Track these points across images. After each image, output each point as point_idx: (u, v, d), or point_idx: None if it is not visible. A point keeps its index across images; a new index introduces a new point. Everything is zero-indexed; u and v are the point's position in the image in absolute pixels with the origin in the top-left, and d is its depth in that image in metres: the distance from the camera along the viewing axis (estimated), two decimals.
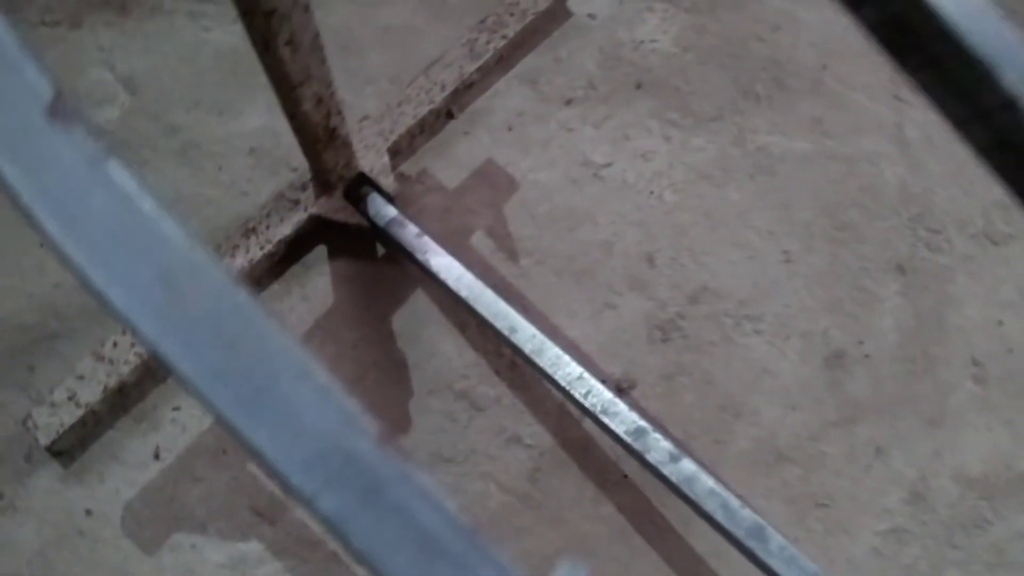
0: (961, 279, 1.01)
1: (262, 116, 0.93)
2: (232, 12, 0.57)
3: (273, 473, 0.20)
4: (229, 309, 0.21)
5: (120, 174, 0.21)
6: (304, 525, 0.79)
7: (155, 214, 0.21)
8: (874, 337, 0.94)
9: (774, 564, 0.63)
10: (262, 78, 0.66)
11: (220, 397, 0.20)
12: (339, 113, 0.70)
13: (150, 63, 0.92)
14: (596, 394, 0.72)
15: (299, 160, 0.84)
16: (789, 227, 1.02)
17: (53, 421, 0.74)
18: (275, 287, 0.86)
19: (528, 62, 1.01)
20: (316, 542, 0.80)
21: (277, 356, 0.21)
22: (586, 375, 0.74)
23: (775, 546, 0.64)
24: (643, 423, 0.71)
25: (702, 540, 0.82)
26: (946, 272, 1.00)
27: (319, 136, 0.70)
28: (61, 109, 0.21)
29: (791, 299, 0.96)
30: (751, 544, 0.64)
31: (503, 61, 0.96)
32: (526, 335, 0.76)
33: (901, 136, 1.05)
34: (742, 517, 0.66)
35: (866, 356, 0.94)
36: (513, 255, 0.91)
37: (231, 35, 0.96)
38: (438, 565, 0.19)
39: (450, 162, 0.94)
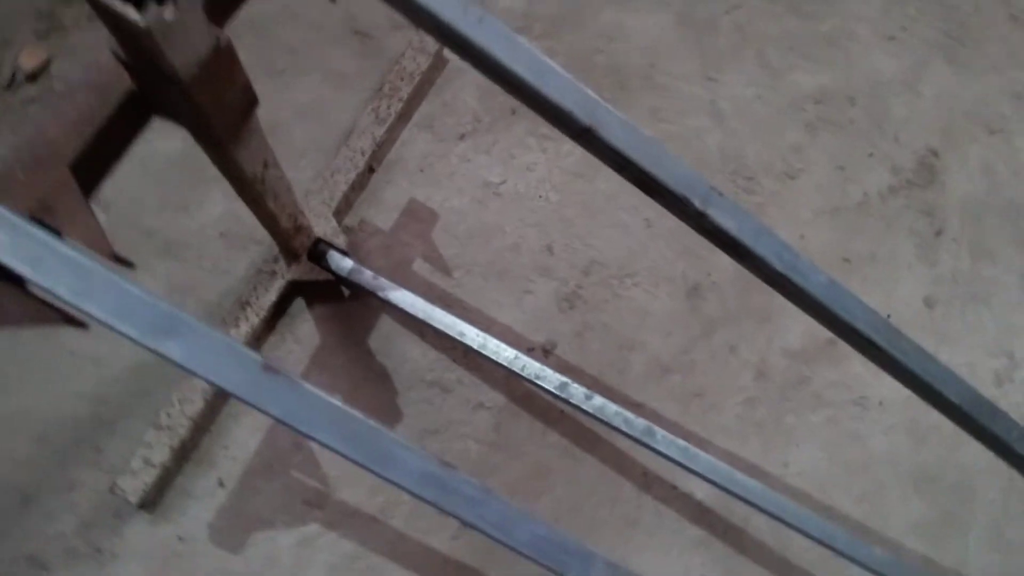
0: (772, 210, 1.36)
1: (220, 203, 1.13)
2: (166, 123, 0.74)
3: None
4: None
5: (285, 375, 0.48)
6: (344, 503, 1.09)
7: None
8: (718, 269, 1.29)
9: (661, 448, 0.99)
10: (212, 171, 0.84)
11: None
12: (302, 213, 0.93)
13: (112, 182, 1.09)
14: (528, 366, 1.03)
15: (262, 234, 1.07)
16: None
17: (137, 483, 0.98)
18: (272, 339, 1.11)
19: (423, 110, 1.24)
20: (355, 512, 1.09)
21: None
22: (520, 355, 1.04)
23: (660, 437, 0.99)
24: (564, 379, 1.03)
25: (621, 443, 1.17)
26: (760, 207, 1.36)
27: (289, 232, 0.94)
28: (270, 366, 0.47)
29: (655, 255, 1.29)
30: (645, 439, 0.99)
31: (403, 116, 1.19)
32: (471, 335, 1.05)
33: (715, 110, 1.37)
34: (637, 424, 1.00)
35: (714, 283, 1.30)
36: (447, 271, 1.19)
37: (173, 140, 1.13)
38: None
39: (381, 208, 1.19)
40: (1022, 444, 0.73)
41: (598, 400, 1.02)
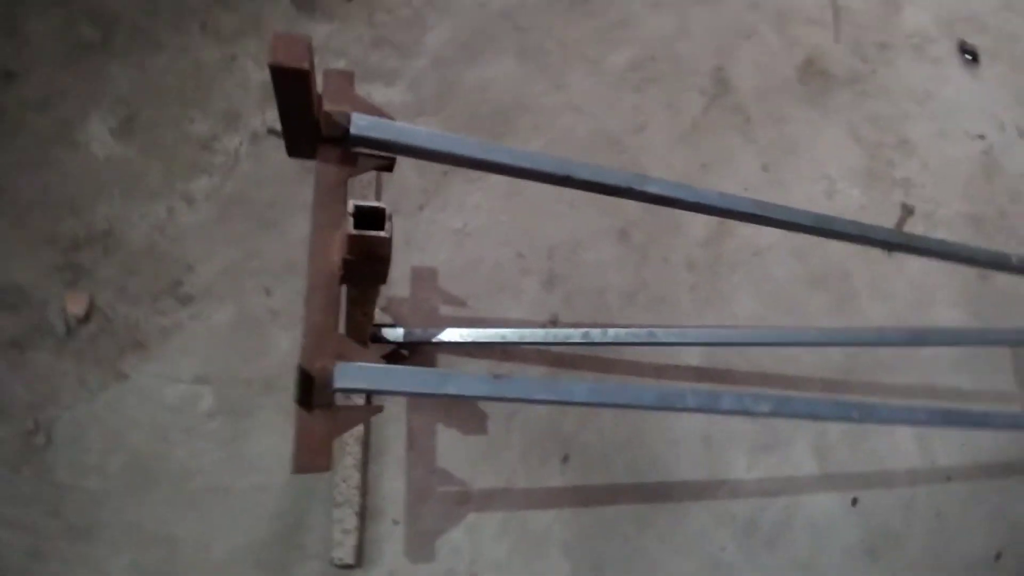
0: (642, 158, 1.85)
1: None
2: None
3: None
4: None
5: None
6: (481, 489, 1.45)
7: None
8: (630, 214, 1.76)
9: (661, 339, 1.45)
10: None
11: None
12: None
13: None
14: (556, 335, 1.45)
15: None
16: (563, 190, 1.79)
17: (346, 549, 1.30)
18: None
19: (386, 200, 1.60)
20: (491, 492, 1.46)
21: None
22: (548, 330, 1.46)
23: (658, 333, 1.45)
24: (582, 330, 1.46)
25: (630, 355, 1.62)
26: (633, 160, 1.84)
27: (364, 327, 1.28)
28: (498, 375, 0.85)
29: (587, 223, 1.74)
30: (649, 340, 1.44)
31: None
32: (508, 335, 1.45)
33: (574, 106, 1.83)
34: (640, 333, 1.45)
35: (633, 223, 1.77)
36: (462, 303, 1.57)
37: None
38: None
39: (395, 286, 1.55)
40: (856, 228, 1.25)
41: (611, 332, 1.45)
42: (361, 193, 1.54)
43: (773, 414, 1.15)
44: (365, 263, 0.89)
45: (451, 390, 0.85)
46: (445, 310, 1.55)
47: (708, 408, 1.10)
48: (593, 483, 1.54)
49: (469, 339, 1.44)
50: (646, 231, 1.77)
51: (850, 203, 1.99)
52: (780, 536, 1.61)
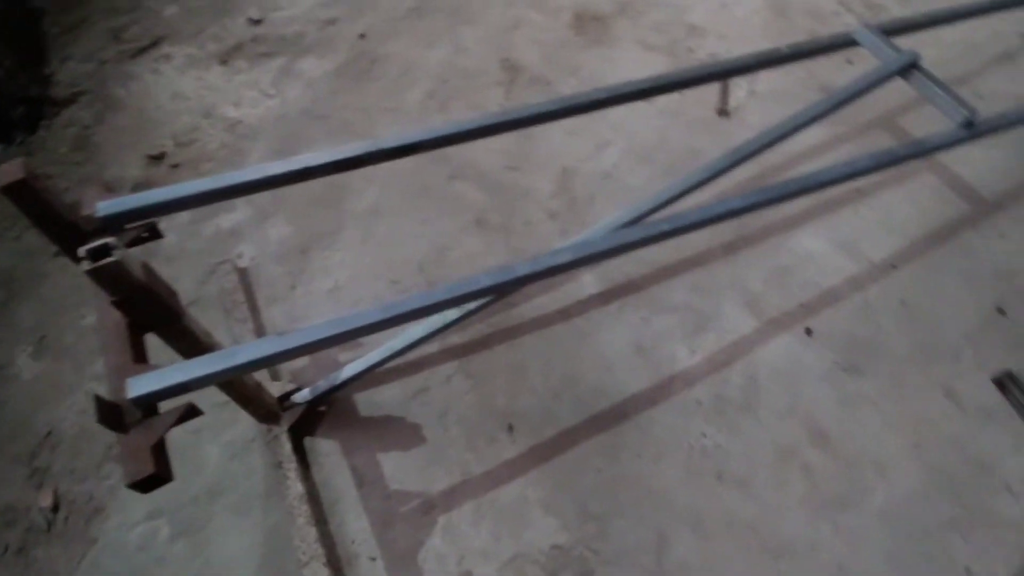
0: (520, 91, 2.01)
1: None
2: None
3: None
4: None
5: None
6: (442, 491, 1.45)
7: None
8: (517, 154, 1.89)
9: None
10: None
11: None
12: (259, 384, 1.37)
13: None
14: (434, 322, 1.52)
15: (248, 422, 1.48)
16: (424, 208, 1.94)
17: None
18: (315, 468, 1.48)
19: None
20: (450, 489, 1.46)
21: None
22: (424, 321, 1.53)
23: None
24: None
25: (542, 293, 1.67)
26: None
27: (258, 399, 1.37)
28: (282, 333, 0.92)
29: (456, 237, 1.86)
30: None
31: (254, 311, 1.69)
32: (395, 343, 1.51)
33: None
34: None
35: (517, 166, 1.89)
36: (356, 343, 1.65)
37: None
38: None
39: None
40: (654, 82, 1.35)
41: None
42: (233, 299, 1.69)
43: (657, 236, 1.17)
44: (130, 299, 0.97)
45: (241, 359, 0.93)
46: (345, 356, 1.63)
47: (583, 257, 1.13)
48: (546, 437, 1.53)
49: (366, 365, 1.51)
50: (499, 211, 1.88)
51: (671, 101, 2.10)
52: (752, 398, 1.56)
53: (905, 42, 1.54)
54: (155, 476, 0.87)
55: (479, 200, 1.88)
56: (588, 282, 1.75)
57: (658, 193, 1.54)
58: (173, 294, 1.08)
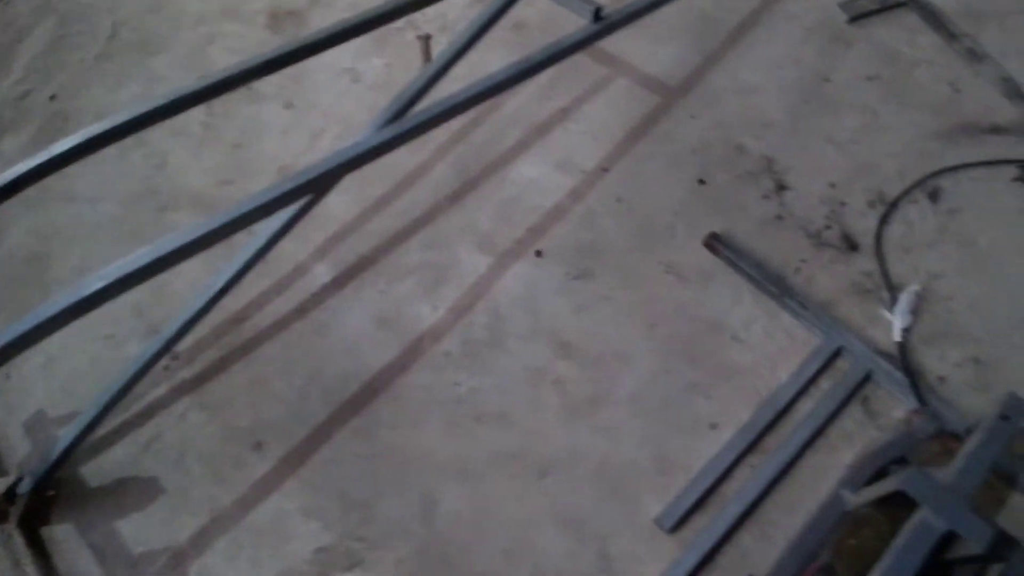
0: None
1: None
2: None
3: None
4: None
5: None
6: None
7: None
8: None
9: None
10: None
11: None
12: None
13: None
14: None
15: None
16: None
17: None
18: (56, 559, 1.31)
19: None
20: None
21: None
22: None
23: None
24: None
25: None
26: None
27: None
28: None
29: None
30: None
31: None
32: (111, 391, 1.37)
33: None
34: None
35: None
36: (72, 413, 1.49)
37: None
38: None
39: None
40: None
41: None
42: None
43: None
44: None
45: None
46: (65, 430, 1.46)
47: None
48: (298, 442, 1.43)
49: (80, 428, 1.35)
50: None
51: (378, 72, 2.08)
52: (497, 332, 1.54)
53: None
54: None
55: (172, 222, 1.76)
56: (320, 272, 1.68)
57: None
58: None
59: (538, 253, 1.65)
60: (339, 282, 1.66)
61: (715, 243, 1.58)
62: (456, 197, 1.79)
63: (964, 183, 1.63)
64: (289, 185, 1.11)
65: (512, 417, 1.43)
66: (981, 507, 1.21)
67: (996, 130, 1.70)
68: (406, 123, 1.23)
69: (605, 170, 1.78)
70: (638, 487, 1.33)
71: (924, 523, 0.93)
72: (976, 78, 1.82)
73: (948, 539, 0.96)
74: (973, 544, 0.91)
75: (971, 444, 1.00)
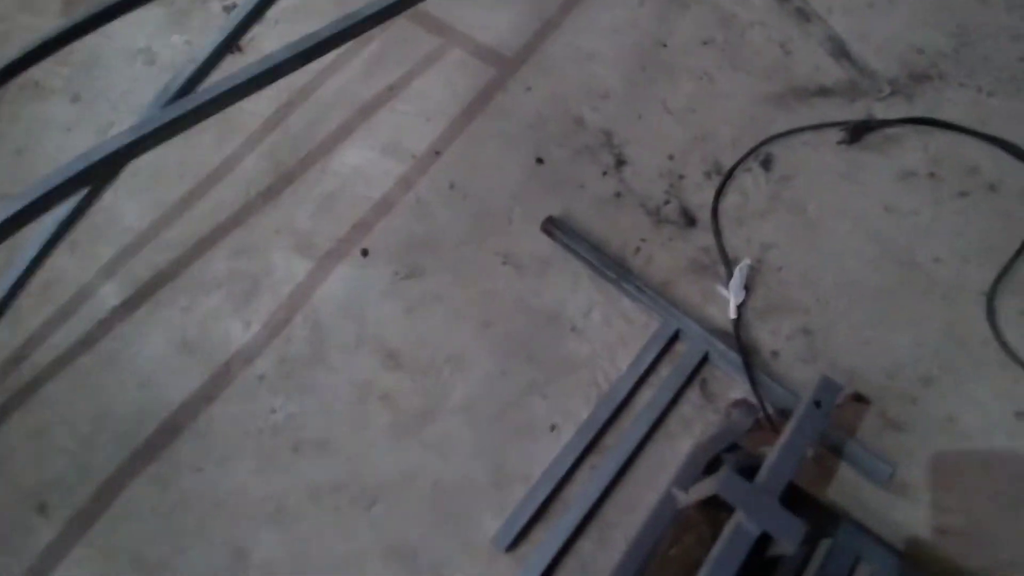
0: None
1: None
2: None
3: None
4: None
5: None
6: None
7: None
8: None
9: None
10: None
11: None
12: None
13: None
14: None
15: None
16: None
17: None
18: None
19: None
20: None
21: None
22: None
23: None
24: None
25: None
26: None
27: None
28: None
29: None
30: None
31: None
32: None
33: None
34: None
35: None
36: None
37: None
38: None
39: None
40: None
41: None
42: None
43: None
44: None
45: None
46: None
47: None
48: (85, 500, 1.23)
49: None
50: None
51: (177, 51, 1.80)
52: (318, 346, 1.37)
53: None
54: None
55: None
56: (108, 293, 1.44)
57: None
58: None
59: (364, 252, 1.49)
60: (131, 304, 1.43)
61: (552, 227, 1.48)
62: (270, 194, 1.58)
63: (796, 148, 1.61)
64: (58, 179, 0.90)
65: (335, 443, 1.29)
66: (809, 485, 1.22)
67: (823, 92, 1.69)
68: (196, 99, 1.01)
69: (438, 153, 1.63)
70: (475, 505, 1.23)
71: (739, 529, 0.89)
72: (806, 39, 1.80)
73: (767, 537, 0.92)
74: (784, 544, 0.87)
75: (784, 435, 0.96)
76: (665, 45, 1.78)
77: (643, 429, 1.28)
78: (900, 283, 1.40)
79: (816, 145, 1.58)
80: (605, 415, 1.30)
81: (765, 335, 1.38)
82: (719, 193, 1.54)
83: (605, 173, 1.59)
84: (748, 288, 1.41)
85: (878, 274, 1.41)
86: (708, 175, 1.57)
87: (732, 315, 1.38)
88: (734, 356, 1.32)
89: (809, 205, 1.51)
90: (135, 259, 1.48)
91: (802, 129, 1.59)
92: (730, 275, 1.42)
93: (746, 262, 1.42)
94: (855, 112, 1.61)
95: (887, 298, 1.39)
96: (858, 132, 1.58)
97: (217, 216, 1.53)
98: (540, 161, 1.61)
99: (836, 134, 1.59)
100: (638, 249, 1.49)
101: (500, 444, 1.28)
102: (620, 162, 1.60)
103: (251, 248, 1.50)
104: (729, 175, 1.57)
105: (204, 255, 1.49)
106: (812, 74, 1.69)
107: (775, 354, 1.36)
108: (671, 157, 1.61)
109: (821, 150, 1.57)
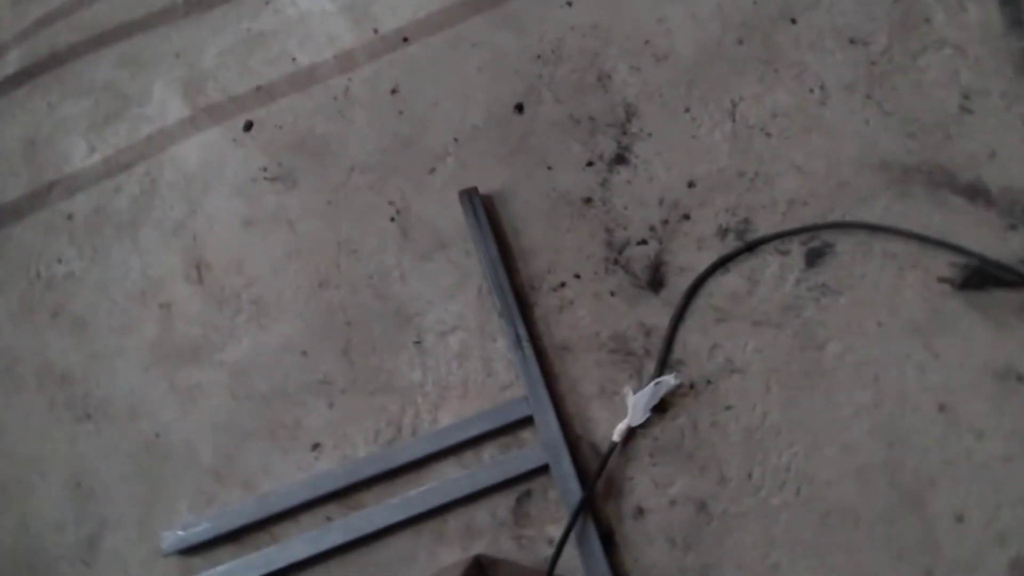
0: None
1: None
2: None
3: None
4: None
5: None
6: None
7: None
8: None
9: None
10: None
11: None
12: None
13: None
14: None
15: None
16: None
17: None
18: None
19: None
20: None
21: None
22: None
23: None
24: None
25: None
26: None
27: None
28: None
29: None
30: None
31: None
32: None
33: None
34: None
35: None
36: None
37: None
38: None
39: None
40: None
41: None
42: None
43: None
44: None
45: None
46: None
47: None
48: None
49: None
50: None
51: None
52: (141, 212, 1.13)
53: None
54: None
55: None
56: (11, 60, 1.24)
57: None
58: None
59: (248, 126, 1.17)
60: (19, 79, 1.23)
61: (472, 204, 1.07)
62: (199, 5, 1.26)
63: (871, 254, 1.00)
64: None
65: (91, 331, 1.08)
66: None
67: (974, 193, 1.05)
68: None
69: (405, 40, 1.21)
70: (179, 484, 1.00)
71: None
72: (1010, 98, 1.12)
73: None
74: None
75: None
76: (795, 22, 1.17)
77: (413, 510, 0.95)
78: (887, 540, 0.88)
79: (905, 265, 1.00)
80: (381, 468, 0.97)
81: (643, 483, 0.95)
82: (719, 265, 1.04)
83: (591, 164, 1.11)
84: (663, 410, 0.97)
85: (868, 504, 0.89)
86: (723, 233, 1.05)
87: (616, 437, 0.96)
88: (576, 489, 0.93)
89: (831, 345, 0.98)
90: (49, 30, 1.26)
91: (899, 232, 1.01)
92: (650, 381, 0.97)
93: (671, 379, 0.96)
94: (1000, 247, 0.99)
95: (864, 549, 0.89)
96: (981, 278, 0.98)
97: (133, 10, 1.26)
98: (519, 109, 1.15)
99: (947, 264, 1.00)
100: (563, 285, 1.05)
101: (248, 432, 1.01)
102: (619, 158, 1.11)
103: (141, 63, 1.22)
104: (752, 247, 1.05)
105: (99, 51, 1.24)
106: (978, 158, 1.05)
107: (640, 513, 0.94)
108: (692, 184, 1.09)
109: (907, 276, 0.99)
